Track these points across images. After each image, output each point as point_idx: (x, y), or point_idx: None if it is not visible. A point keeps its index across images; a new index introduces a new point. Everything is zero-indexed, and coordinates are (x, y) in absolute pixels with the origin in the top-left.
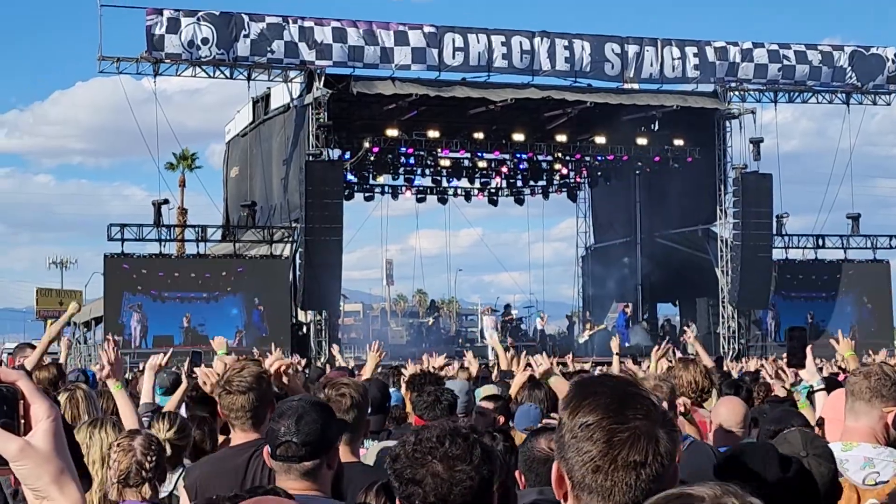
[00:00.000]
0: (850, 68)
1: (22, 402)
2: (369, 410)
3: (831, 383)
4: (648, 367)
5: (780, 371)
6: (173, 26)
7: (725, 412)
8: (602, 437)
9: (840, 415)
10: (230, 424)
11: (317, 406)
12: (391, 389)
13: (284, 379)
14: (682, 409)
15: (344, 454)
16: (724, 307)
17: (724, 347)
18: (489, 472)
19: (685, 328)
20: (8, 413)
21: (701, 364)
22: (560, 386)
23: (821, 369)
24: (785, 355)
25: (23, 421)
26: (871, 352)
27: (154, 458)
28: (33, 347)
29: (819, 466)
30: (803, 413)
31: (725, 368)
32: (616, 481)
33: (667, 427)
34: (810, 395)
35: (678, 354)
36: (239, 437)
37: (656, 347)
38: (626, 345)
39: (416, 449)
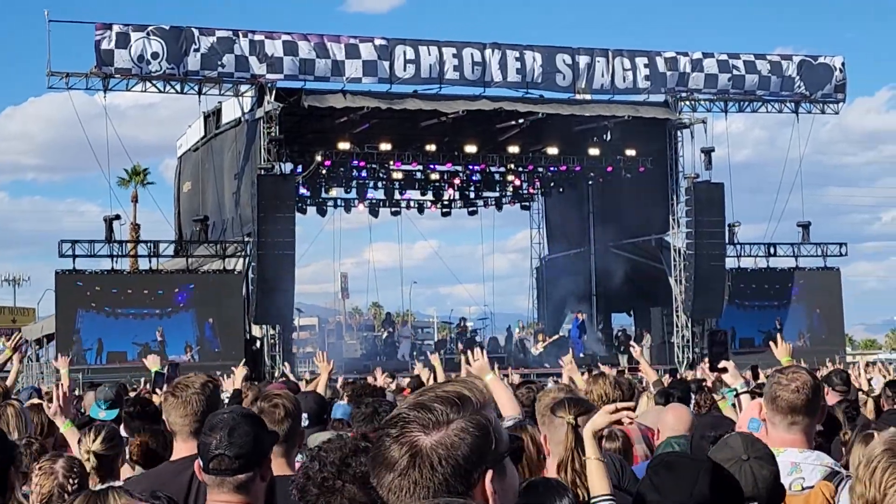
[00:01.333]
0: (798, 78)
1: None
2: (306, 422)
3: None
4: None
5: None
6: (123, 41)
7: (672, 420)
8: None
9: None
10: (173, 435)
11: (248, 418)
12: (342, 403)
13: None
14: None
15: (278, 466)
16: (678, 316)
17: (678, 357)
18: None
19: (632, 344)
20: None
21: (611, 376)
22: (495, 387)
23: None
24: (706, 360)
25: None
26: (828, 363)
27: (76, 481)
28: None
29: (761, 469)
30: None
31: (679, 377)
32: None
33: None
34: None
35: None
36: (179, 448)
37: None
38: (581, 354)
39: (323, 476)
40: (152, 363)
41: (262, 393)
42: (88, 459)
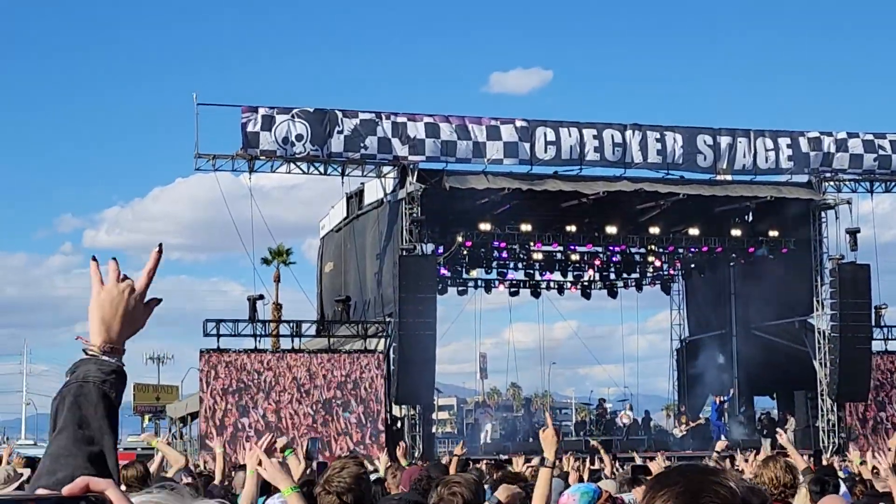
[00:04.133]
0: None
1: None
2: None
3: None
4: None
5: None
6: (268, 123)
7: None
8: None
9: None
10: None
11: None
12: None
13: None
14: None
15: None
16: (822, 400)
17: (823, 441)
18: None
19: (778, 429)
20: None
21: (782, 460)
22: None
23: None
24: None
25: None
26: None
27: None
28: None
29: None
30: None
31: (825, 463)
32: None
33: None
34: None
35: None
36: None
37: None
38: (722, 438)
39: None
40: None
41: (441, 480)
42: None
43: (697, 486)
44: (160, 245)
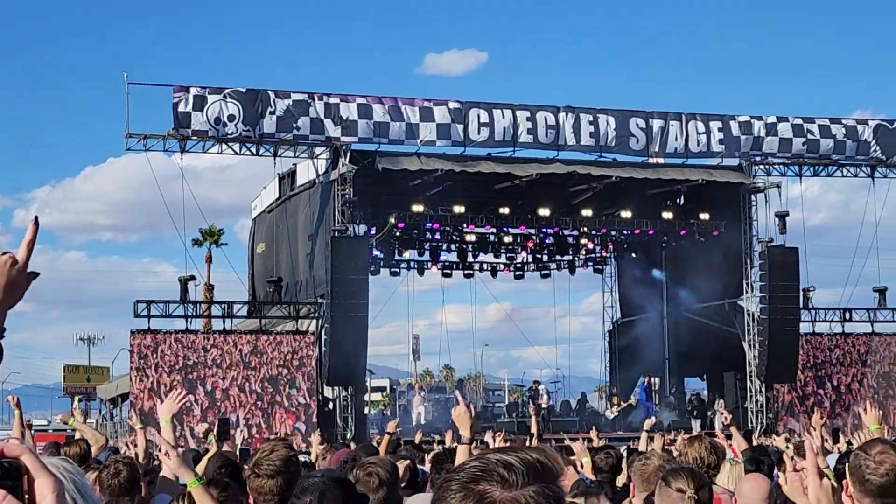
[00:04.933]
0: (874, 142)
1: (26, 476)
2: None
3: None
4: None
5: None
6: (199, 103)
7: (748, 490)
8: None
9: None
10: None
11: (339, 482)
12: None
13: None
14: None
15: None
16: (751, 381)
17: (751, 422)
18: None
19: (716, 409)
20: (12, 488)
21: (707, 440)
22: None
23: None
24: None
25: (27, 496)
26: None
27: None
28: None
29: None
30: None
31: (754, 443)
32: None
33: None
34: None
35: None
36: None
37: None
38: (652, 419)
39: None
40: (203, 431)
41: (360, 461)
42: None
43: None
44: (36, 217)
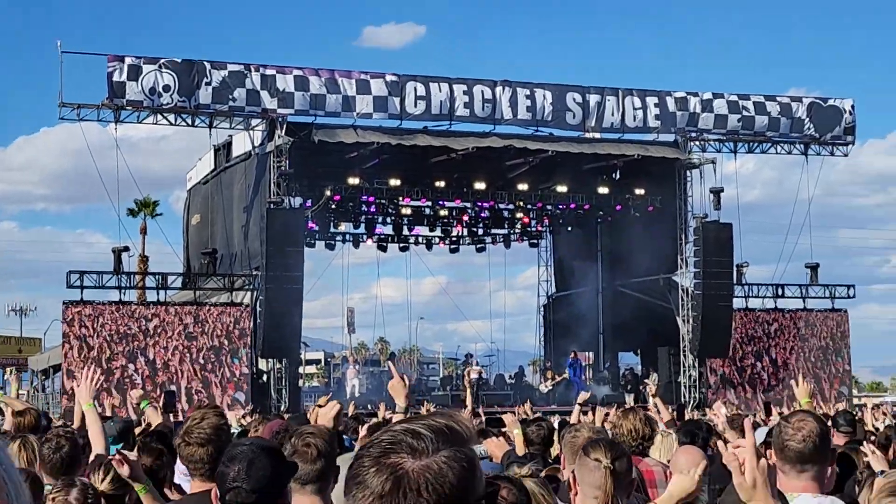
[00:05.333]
0: (808, 119)
1: None
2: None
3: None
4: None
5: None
6: (134, 73)
7: (684, 462)
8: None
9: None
10: (189, 472)
11: (268, 451)
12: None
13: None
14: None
15: None
16: (684, 356)
17: (685, 396)
18: None
19: (646, 381)
20: None
21: (641, 412)
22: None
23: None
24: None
25: None
26: (836, 404)
27: None
28: None
29: None
30: None
31: (687, 417)
32: None
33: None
34: None
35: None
36: (197, 485)
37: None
38: (582, 393)
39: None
40: (136, 398)
41: (297, 430)
42: (109, 488)
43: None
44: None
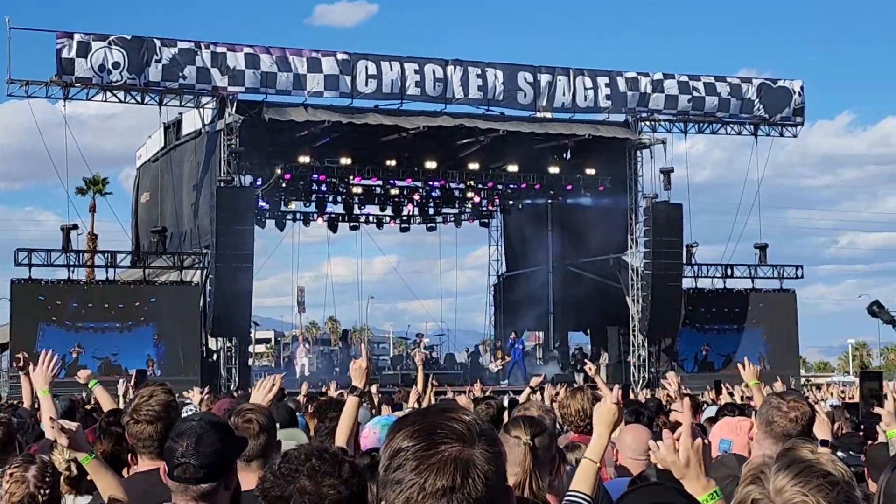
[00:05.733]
0: (757, 100)
1: None
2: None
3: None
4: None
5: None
6: (83, 50)
7: (631, 440)
8: (410, 466)
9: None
10: (137, 451)
11: (216, 426)
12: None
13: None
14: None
15: (253, 482)
16: (634, 336)
17: (634, 376)
18: (359, 487)
19: (586, 361)
20: None
21: (589, 392)
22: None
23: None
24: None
25: None
26: (781, 383)
27: (48, 491)
28: None
29: None
30: None
31: (632, 396)
32: None
33: (486, 449)
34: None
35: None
36: (146, 463)
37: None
38: (522, 373)
39: (282, 468)
40: (84, 378)
41: (236, 408)
42: (68, 469)
43: (433, 424)
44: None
